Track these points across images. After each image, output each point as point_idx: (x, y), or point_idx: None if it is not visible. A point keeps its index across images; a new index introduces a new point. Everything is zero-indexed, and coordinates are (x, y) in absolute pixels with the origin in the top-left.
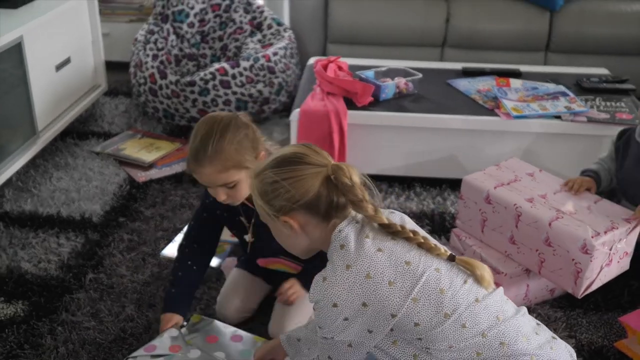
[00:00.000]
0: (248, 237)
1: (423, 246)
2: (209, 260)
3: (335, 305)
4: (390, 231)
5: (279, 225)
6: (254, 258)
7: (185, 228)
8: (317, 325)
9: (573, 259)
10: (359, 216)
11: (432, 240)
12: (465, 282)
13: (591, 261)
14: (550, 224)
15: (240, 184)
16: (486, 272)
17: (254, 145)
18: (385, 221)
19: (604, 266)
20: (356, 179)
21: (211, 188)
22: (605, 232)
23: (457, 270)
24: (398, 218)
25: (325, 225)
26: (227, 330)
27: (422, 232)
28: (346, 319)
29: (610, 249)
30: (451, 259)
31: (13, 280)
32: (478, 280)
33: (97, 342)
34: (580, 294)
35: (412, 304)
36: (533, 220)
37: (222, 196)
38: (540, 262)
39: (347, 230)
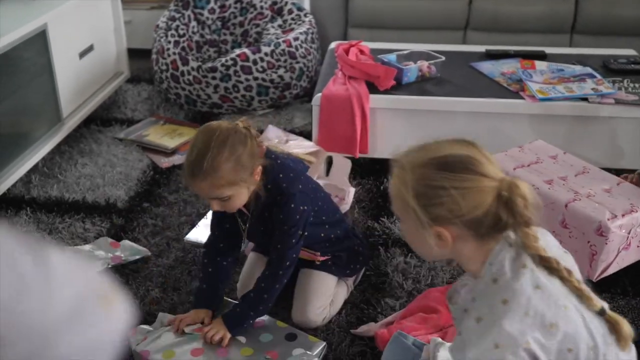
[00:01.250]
0: (243, 246)
1: (576, 291)
2: (237, 252)
3: (497, 346)
4: (546, 266)
5: (424, 232)
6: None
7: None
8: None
9: (589, 242)
10: (512, 238)
11: (584, 285)
12: (610, 343)
13: (606, 244)
14: (566, 206)
15: (234, 197)
16: (629, 332)
17: (251, 162)
18: (544, 253)
19: (622, 250)
20: (530, 197)
21: (204, 197)
22: (623, 215)
23: (604, 326)
24: (543, 240)
25: (478, 244)
26: None
27: (577, 274)
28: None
29: (629, 233)
30: (601, 313)
31: None
32: (620, 340)
33: None
34: (595, 277)
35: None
36: (550, 202)
37: (215, 207)
38: None
39: (500, 258)
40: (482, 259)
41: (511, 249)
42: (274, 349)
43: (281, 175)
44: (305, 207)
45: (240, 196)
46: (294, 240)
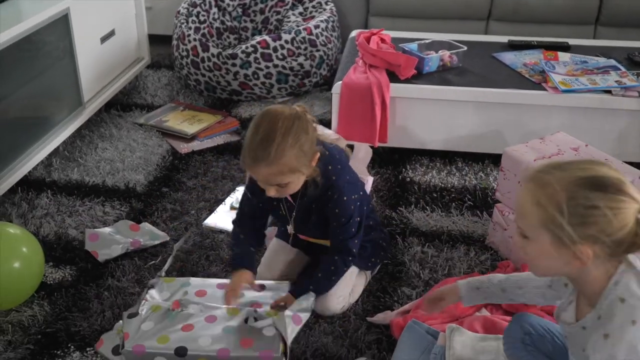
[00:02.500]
0: (290, 229)
1: None
2: (262, 233)
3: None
4: None
5: (562, 250)
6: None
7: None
8: None
9: None
10: (630, 259)
11: None
12: None
13: None
14: None
15: (291, 184)
16: None
17: (311, 150)
18: None
19: None
20: None
21: (262, 183)
22: None
23: None
24: None
25: (606, 264)
26: (210, 282)
27: None
28: None
29: None
30: None
31: (61, 246)
32: None
33: None
34: None
35: None
36: None
37: (271, 192)
38: None
39: (626, 279)
40: (605, 279)
41: (634, 270)
42: (258, 300)
43: (330, 167)
44: (356, 196)
45: (297, 183)
46: (353, 230)
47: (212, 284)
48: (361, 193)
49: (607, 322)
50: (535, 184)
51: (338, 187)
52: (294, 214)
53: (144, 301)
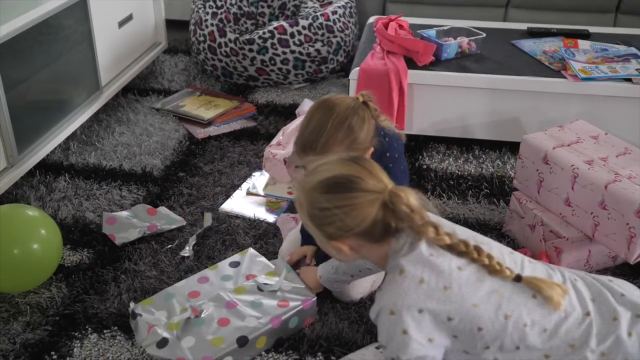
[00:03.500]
0: None
1: (487, 267)
2: None
3: (392, 312)
4: (455, 252)
5: (328, 245)
6: None
7: None
8: (382, 344)
9: (627, 224)
10: (407, 237)
11: (496, 258)
12: (533, 307)
13: None
14: (606, 187)
15: None
16: (555, 293)
17: (365, 144)
18: (449, 241)
19: None
20: (414, 202)
21: None
22: None
23: (522, 292)
24: (447, 227)
25: (377, 246)
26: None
27: (486, 247)
28: (405, 331)
29: None
30: (517, 279)
31: (78, 229)
32: (547, 300)
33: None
34: (633, 259)
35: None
36: (589, 182)
37: None
38: (595, 225)
39: (399, 245)
40: (385, 254)
41: (408, 238)
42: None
43: (388, 154)
44: (406, 185)
45: None
46: None
47: (193, 283)
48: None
49: (385, 291)
50: (297, 190)
51: (394, 174)
52: None
53: (149, 330)
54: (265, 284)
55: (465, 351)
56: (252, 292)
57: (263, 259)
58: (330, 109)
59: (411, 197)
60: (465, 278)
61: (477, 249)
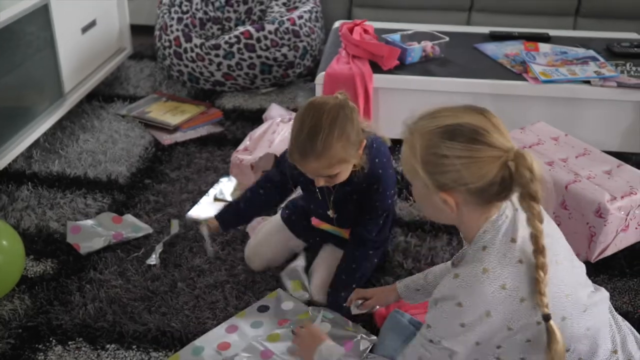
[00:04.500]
0: (330, 213)
1: (537, 286)
2: (277, 200)
3: (459, 304)
4: (534, 247)
5: (432, 196)
6: (305, 219)
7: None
8: (428, 324)
9: (587, 223)
10: (509, 210)
11: (546, 281)
12: (539, 350)
13: (605, 225)
14: (566, 187)
15: (340, 174)
16: (560, 351)
17: (357, 138)
18: (540, 230)
19: (620, 231)
20: (537, 169)
21: (311, 175)
22: (622, 197)
23: (542, 333)
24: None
25: (480, 211)
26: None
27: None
28: (463, 325)
29: (627, 215)
30: (545, 319)
31: (42, 239)
32: (549, 352)
33: (124, 300)
34: (593, 258)
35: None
36: (550, 183)
37: (321, 183)
38: (557, 225)
39: (495, 229)
40: (477, 227)
41: (507, 220)
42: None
43: (377, 160)
44: (393, 191)
45: (346, 172)
46: (381, 222)
47: (222, 333)
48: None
49: (464, 264)
50: (407, 133)
51: (384, 180)
52: (332, 199)
53: None
54: (301, 327)
55: (497, 357)
56: (287, 338)
57: (293, 299)
58: (320, 110)
59: (535, 163)
60: (533, 291)
61: (545, 264)
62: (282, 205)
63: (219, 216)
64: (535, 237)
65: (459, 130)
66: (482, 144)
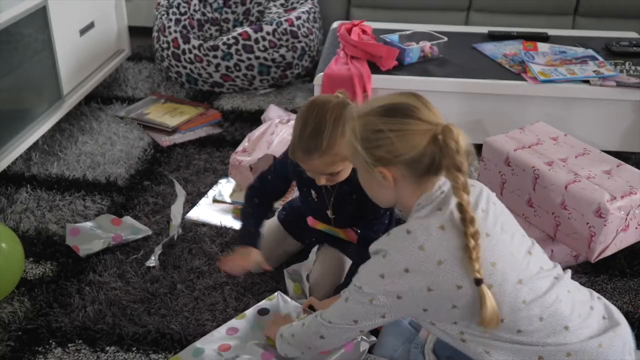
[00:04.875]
0: (329, 213)
1: (467, 251)
2: (273, 204)
3: (384, 256)
4: (461, 216)
5: (372, 173)
6: (302, 220)
7: (258, 177)
8: (358, 272)
9: (587, 223)
10: (446, 187)
11: (482, 247)
12: (474, 314)
13: (605, 225)
14: (566, 187)
15: (342, 172)
16: (490, 314)
17: None
18: (465, 200)
19: (620, 231)
20: (462, 142)
21: (313, 173)
22: (622, 197)
23: (476, 297)
24: (475, 194)
25: (416, 185)
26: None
27: (489, 226)
28: (382, 275)
29: (627, 214)
30: (477, 282)
31: (41, 241)
32: (481, 316)
33: (123, 302)
34: (593, 258)
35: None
36: (550, 183)
37: (322, 181)
38: (556, 225)
39: (428, 201)
40: (415, 200)
41: (442, 195)
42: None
43: None
44: None
45: (347, 170)
46: (386, 221)
47: (222, 335)
48: None
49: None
50: (349, 119)
51: None
52: (332, 199)
53: None
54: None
55: (432, 322)
56: None
57: (292, 302)
58: (323, 108)
59: (462, 137)
60: (460, 257)
61: (477, 232)
62: (280, 207)
63: (248, 243)
64: (461, 206)
65: (393, 108)
66: (413, 118)
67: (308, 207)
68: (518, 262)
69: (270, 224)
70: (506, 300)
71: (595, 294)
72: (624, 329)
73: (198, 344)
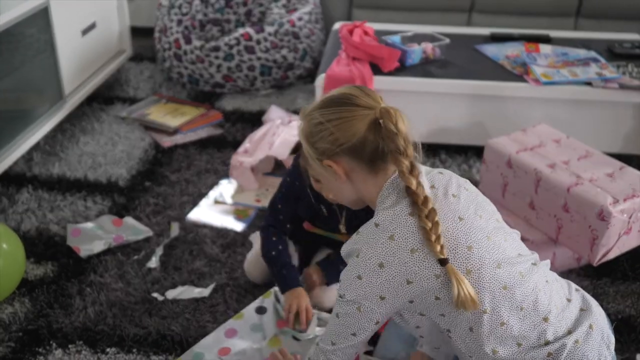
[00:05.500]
0: (342, 228)
1: (425, 234)
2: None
3: (357, 256)
4: (412, 199)
5: (323, 170)
6: (299, 225)
7: (269, 207)
8: (340, 284)
9: (590, 226)
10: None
11: (441, 228)
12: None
13: (608, 228)
14: (568, 190)
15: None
16: (464, 294)
17: None
18: (411, 182)
19: (622, 234)
20: (402, 127)
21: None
22: (625, 200)
23: (445, 276)
24: (444, 181)
25: (372, 177)
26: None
27: (448, 209)
28: (359, 276)
29: (630, 217)
30: (442, 263)
31: (42, 242)
32: (454, 297)
33: (124, 303)
34: (596, 261)
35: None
36: (552, 186)
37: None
38: (558, 228)
39: (392, 188)
40: (375, 192)
41: (399, 185)
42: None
43: None
44: None
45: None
46: None
47: (221, 338)
48: None
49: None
50: (299, 125)
51: None
52: (344, 214)
53: None
54: (300, 331)
55: (421, 313)
56: (289, 344)
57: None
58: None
59: (400, 120)
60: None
61: (430, 211)
62: None
63: (292, 286)
64: (409, 190)
65: (330, 100)
66: (351, 106)
67: (317, 219)
68: (495, 246)
69: (253, 256)
70: (487, 286)
71: (574, 286)
72: (602, 322)
73: (197, 348)
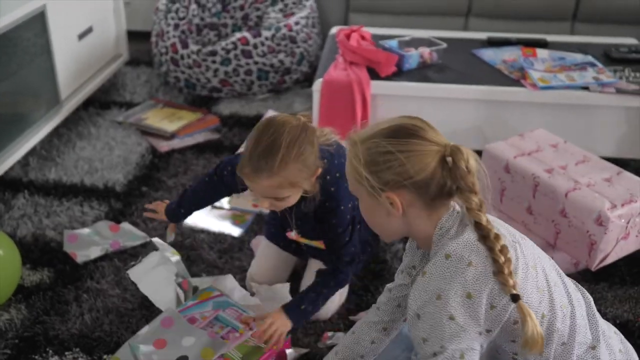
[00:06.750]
0: (293, 234)
1: (497, 267)
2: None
3: (439, 297)
4: (481, 234)
5: (379, 201)
6: (283, 231)
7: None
8: (422, 338)
9: (588, 231)
10: (458, 208)
11: (513, 264)
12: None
13: (606, 233)
14: (566, 195)
15: (288, 198)
16: (532, 333)
17: (314, 164)
18: (483, 221)
19: (620, 239)
20: (473, 165)
21: (258, 194)
22: (623, 205)
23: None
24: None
25: (427, 213)
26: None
27: (518, 251)
28: (451, 317)
29: (628, 222)
30: (514, 299)
31: (38, 248)
32: (525, 335)
33: (121, 309)
34: (594, 266)
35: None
36: (550, 191)
37: (266, 204)
38: (556, 233)
39: (452, 219)
40: (432, 228)
41: (458, 214)
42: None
43: (328, 177)
44: (351, 204)
45: (294, 197)
46: (347, 238)
47: (156, 328)
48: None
49: (429, 274)
50: (350, 145)
51: (336, 198)
52: (293, 217)
53: None
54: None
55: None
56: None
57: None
58: (281, 127)
59: (471, 158)
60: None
61: (504, 248)
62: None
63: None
64: (480, 225)
65: (399, 129)
66: (421, 139)
67: (277, 222)
68: (561, 296)
69: (263, 243)
70: (553, 338)
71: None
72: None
73: (131, 341)
